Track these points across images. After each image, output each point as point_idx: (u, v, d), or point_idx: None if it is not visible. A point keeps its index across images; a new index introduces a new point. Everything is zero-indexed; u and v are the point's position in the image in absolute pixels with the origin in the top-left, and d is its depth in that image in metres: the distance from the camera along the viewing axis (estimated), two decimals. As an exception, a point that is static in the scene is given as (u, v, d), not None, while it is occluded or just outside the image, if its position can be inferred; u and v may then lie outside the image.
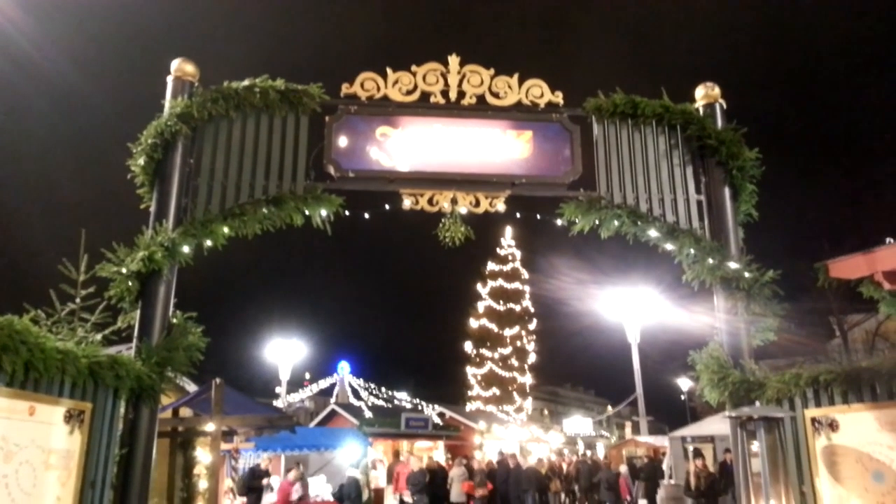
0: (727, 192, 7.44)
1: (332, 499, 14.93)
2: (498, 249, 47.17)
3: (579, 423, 45.84)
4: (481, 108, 7.64)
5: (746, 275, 6.96)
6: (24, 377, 4.83)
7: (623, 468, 19.80)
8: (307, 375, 44.47)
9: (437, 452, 23.29)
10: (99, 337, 6.33)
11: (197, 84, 7.35)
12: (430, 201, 7.35)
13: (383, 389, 35.99)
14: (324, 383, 39.54)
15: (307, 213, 7.14)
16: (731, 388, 6.58)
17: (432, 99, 7.58)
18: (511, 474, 17.27)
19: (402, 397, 35.72)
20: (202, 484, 12.58)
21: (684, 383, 44.51)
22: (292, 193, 7.12)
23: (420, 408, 31.13)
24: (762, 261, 7.12)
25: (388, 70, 7.56)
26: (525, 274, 47.12)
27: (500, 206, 7.46)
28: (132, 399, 6.10)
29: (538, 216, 7.78)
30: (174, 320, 6.60)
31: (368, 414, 26.95)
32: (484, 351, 44.44)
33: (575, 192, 7.46)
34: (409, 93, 7.56)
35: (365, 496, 14.26)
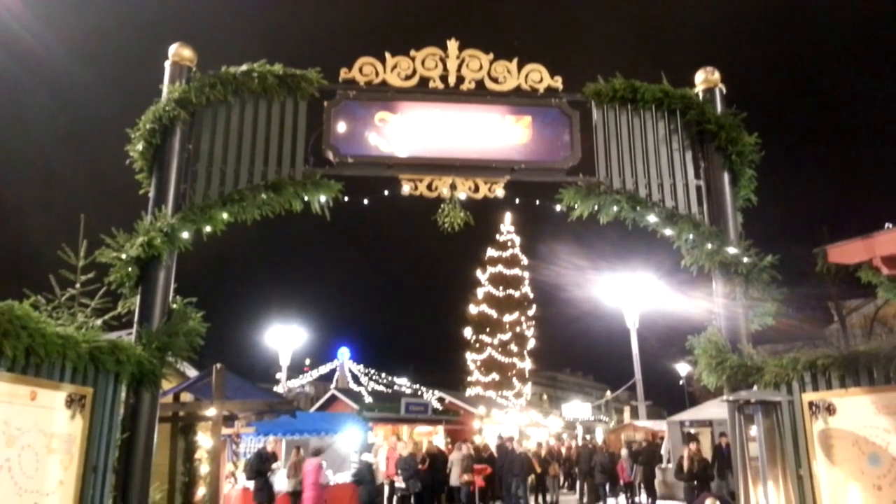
0: (726, 177, 7.43)
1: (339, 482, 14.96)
2: (497, 236, 47.19)
3: (578, 408, 46.02)
4: (480, 94, 7.61)
5: (745, 260, 6.97)
6: (25, 362, 4.85)
7: (624, 452, 19.97)
8: (307, 361, 44.66)
9: (436, 437, 23.42)
10: (99, 322, 6.36)
11: (195, 69, 7.32)
12: (429, 187, 7.35)
13: (383, 375, 36.11)
14: (324, 369, 39.65)
15: (306, 198, 7.14)
16: (729, 373, 6.62)
17: (431, 84, 7.55)
18: (505, 459, 17.38)
19: (402, 383, 35.84)
20: (203, 468, 12.67)
21: (683, 368, 44.67)
22: (291, 179, 7.11)
23: (420, 393, 31.25)
24: (761, 246, 7.14)
25: (387, 55, 7.52)
26: (524, 260, 47.18)
27: (500, 192, 7.46)
28: (133, 384, 6.12)
29: (537, 202, 7.78)
30: (174, 306, 6.62)
31: (368, 399, 27.08)
32: (483, 337, 44.58)
33: (574, 177, 7.45)
34: (407, 78, 7.52)
35: (378, 480, 14.25)
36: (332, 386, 33.09)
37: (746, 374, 6.55)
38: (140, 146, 6.90)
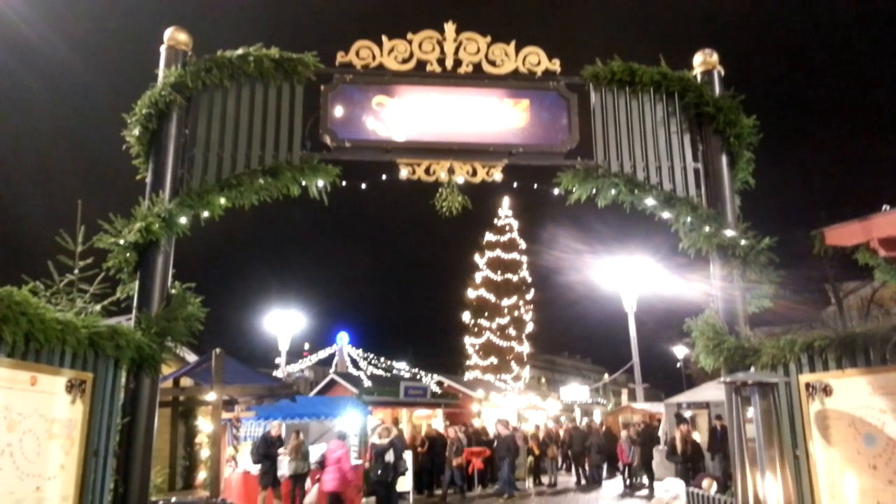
0: (724, 159, 7.43)
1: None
2: (495, 220, 47.16)
3: (576, 391, 46.25)
4: (478, 77, 7.57)
5: (743, 242, 6.99)
6: (25, 348, 4.86)
7: (623, 433, 20.16)
8: (306, 346, 44.79)
9: (435, 420, 23.56)
10: (98, 308, 6.36)
11: (190, 53, 7.27)
12: (426, 171, 7.33)
13: (382, 359, 36.25)
14: (323, 354, 39.80)
15: (304, 183, 7.12)
16: (727, 354, 6.66)
17: (428, 67, 7.51)
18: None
19: (401, 367, 35.98)
20: (204, 452, 12.76)
21: (680, 351, 44.91)
22: (288, 164, 7.09)
23: (419, 377, 31.40)
24: (759, 229, 7.16)
25: (384, 38, 7.47)
26: (522, 244, 47.20)
27: (498, 176, 7.45)
28: (133, 369, 6.15)
29: (535, 185, 7.78)
30: (173, 291, 6.63)
31: (368, 383, 27.19)
32: (482, 321, 44.68)
33: (572, 160, 7.44)
34: (404, 61, 7.48)
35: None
36: (332, 370, 33.22)
37: (743, 355, 6.59)
38: (136, 131, 6.87)
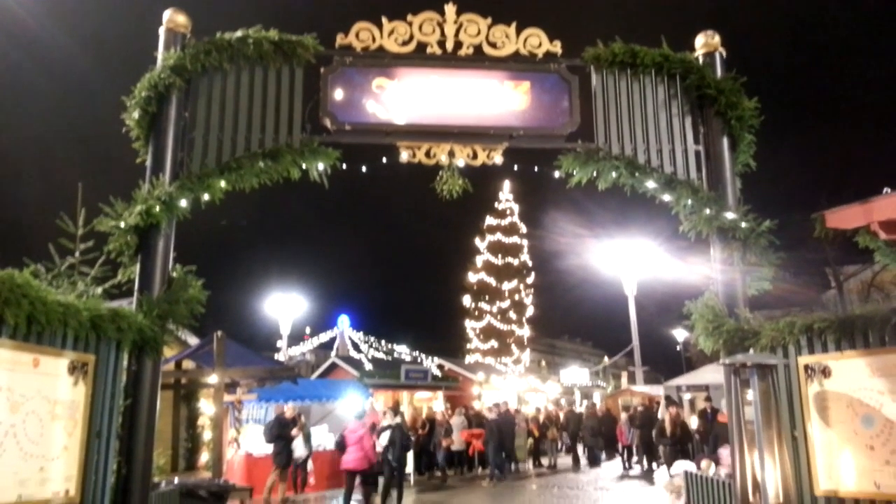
0: (725, 142, 7.41)
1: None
2: (496, 204, 47.08)
3: (576, 374, 46.47)
4: (478, 59, 7.54)
5: (743, 224, 6.99)
6: (27, 330, 4.89)
7: (623, 416, 20.27)
8: (307, 330, 44.88)
9: (436, 403, 23.69)
10: (99, 290, 6.39)
11: (189, 35, 7.23)
12: (427, 154, 7.32)
13: (383, 342, 36.38)
14: (324, 337, 39.93)
15: (304, 166, 7.11)
16: (726, 337, 6.68)
17: (429, 50, 7.47)
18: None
19: (402, 350, 36.13)
20: (206, 435, 12.87)
21: (680, 334, 45.01)
22: (288, 147, 7.08)
23: (419, 360, 31.52)
24: (759, 211, 7.15)
25: (384, 20, 7.43)
26: (523, 228, 47.18)
27: (498, 159, 7.43)
28: (135, 351, 6.18)
29: (536, 168, 7.76)
30: (174, 274, 6.64)
31: (368, 366, 27.32)
32: (482, 304, 44.76)
33: (573, 143, 7.42)
34: (405, 43, 7.44)
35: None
36: (333, 354, 33.35)
37: (743, 337, 6.61)
38: (136, 114, 6.86)
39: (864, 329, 5.82)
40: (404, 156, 7.29)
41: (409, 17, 7.48)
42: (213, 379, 11.29)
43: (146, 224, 6.44)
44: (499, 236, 46.22)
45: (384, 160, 7.41)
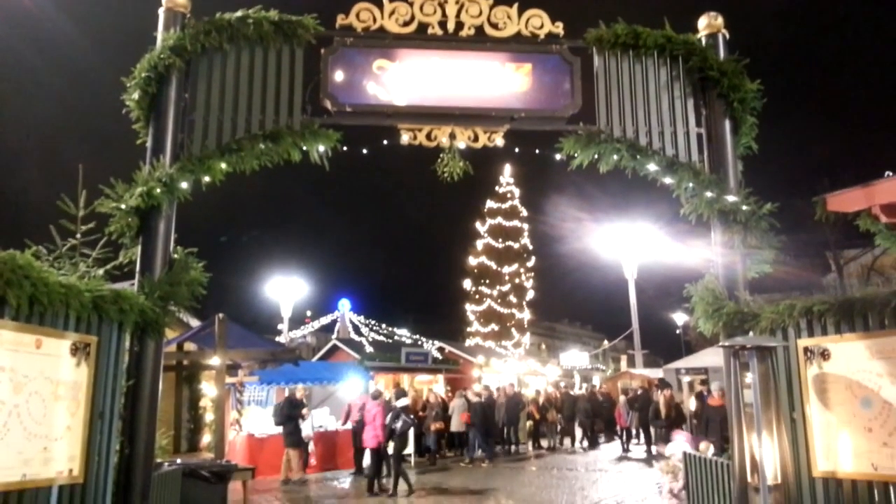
0: (727, 124, 7.38)
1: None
2: (497, 187, 46.99)
3: (576, 357, 46.68)
4: (480, 40, 7.49)
5: (744, 207, 6.98)
6: (29, 311, 4.91)
7: (622, 398, 20.41)
8: (308, 313, 44.94)
9: (437, 386, 23.79)
10: (101, 272, 6.39)
11: (189, 16, 7.18)
12: (428, 136, 7.29)
13: (383, 326, 36.43)
14: (325, 320, 39.96)
15: (304, 148, 7.09)
16: (726, 319, 6.70)
17: (430, 30, 7.42)
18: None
19: (403, 333, 36.18)
20: (208, 416, 12.94)
21: (679, 318, 45.20)
22: (289, 128, 7.05)
23: (420, 343, 31.58)
24: (761, 195, 7.14)
25: (384, 0, 7.37)
26: (524, 212, 47.12)
27: (499, 141, 7.41)
28: (137, 332, 6.20)
29: (537, 151, 7.74)
30: (175, 256, 6.65)
31: (369, 349, 27.37)
32: (483, 288, 44.81)
33: (574, 125, 7.39)
34: (405, 24, 7.39)
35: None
36: (334, 336, 33.41)
37: (742, 320, 6.63)
38: (136, 95, 6.83)
39: (864, 312, 5.83)
40: (405, 138, 7.27)
41: (410, -2, 7.42)
42: (214, 361, 11.32)
43: (147, 206, 6.44)
44: (499, 220, 46.17)
45: (385, 142, 7.39)
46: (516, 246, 46.06)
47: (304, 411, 13.66)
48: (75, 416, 5.37)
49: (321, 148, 7.13)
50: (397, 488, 11.81)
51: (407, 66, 7.38)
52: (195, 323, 13.54)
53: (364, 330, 35.55)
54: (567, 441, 21.38)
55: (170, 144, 6.81)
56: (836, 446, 5.89)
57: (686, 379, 22.87)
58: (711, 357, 20.24)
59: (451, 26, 7.43)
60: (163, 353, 6.66)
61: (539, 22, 7.50)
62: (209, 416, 12.99)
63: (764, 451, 5.84)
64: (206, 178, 6.85)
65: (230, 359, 12.08)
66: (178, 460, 8.72)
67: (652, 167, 7.29)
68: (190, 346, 13.35)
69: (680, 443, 9.38)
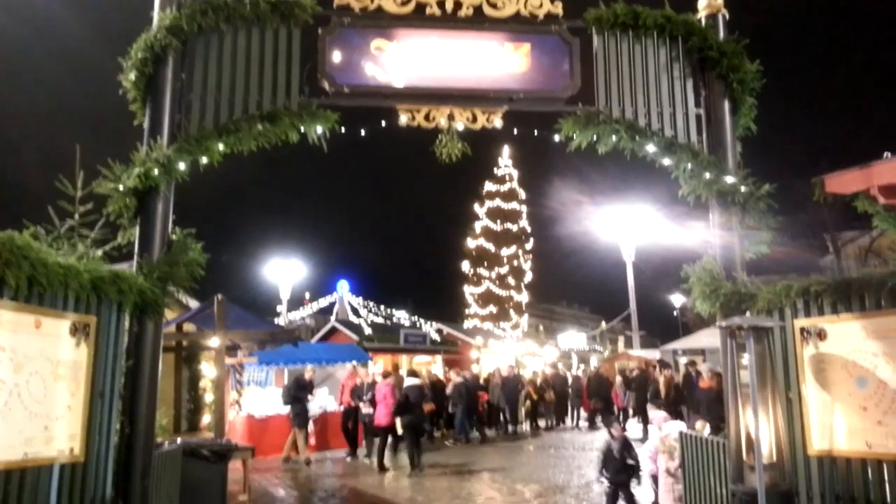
0: (727, 105, 7.36)
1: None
2: (495, 170, 46.93)
3: (574, 338, 46.94)
4: (478, 20, 7.43)
5: (742, 188, 6.98)
6: (29, 292, 4.91)
7: (618, 379, 20.54)
8: (307, 295, 45.01)
9: (435, 366, 23.94)
10: (100, 253, 6.39)
11: (186, -6, 7.11)
12: (426, 117, 7.26)
13: (382, 307, 36.52)
14: (324, 302, 40.04)
15: (302, 129, 7.06)
16: (723, 300, 6.73)
17: (428, 10, 7.36)
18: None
19: (401, 315, 36.29)
20: (208, 396, 13.03)
21: (677, 299, 45.35)
22: (287, 109, 7.01)
23: (418, 324, 31.71)
24: (759, 175, 7.14)
25: (383, -22, 7.30)
26: (522, 194, 47.09)
27: (498, 122, 7.38)
28: (136, 313, 6.22)
29: (536, 132, 7.71)
30: (174, 237, 6.65)
31: (368, 331, 27.47)
32: (481, 270, 44.93)
33: (573, 106, 7.36)
34: (404, 3, 7.34)
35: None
36: (333, 318, 33.50)
37: (740, 301, 6.66)
38: (132, 76, 6.78)
39: (861, 292, 5.86)
40: (403, 119, 7.24)
41: (409, -23, 7.35)
42: (214, 341, 11.37)
43: (145, 186, 6.43)
44: (498, 202, 46.18)
45: (383, 123, 7.35)
46: (515, 228, 46.12)
47: (314, 391, 13.81)
48: (75, 395, 5.40)
49: (319, 129, 7.09)
50: (417, 461, 12.07)
51: (405, 46, 7.34)
52: (194, 304, 13.58)
53: (363, 312, 35.65)
54: (568, 420, 21.61)
55: (167, 125, 6.78)
56: (832, 425, 5.94)
57: (683, 360, 23.01)
58: (708, 338, 20.37)
59: (449, 6, 7.37)
60: (162, 334, 6.68)
61: (538, 2, 7.45)
62: (209, 397, 13.09)
63: (760, 430, 5.89)
64: (204, 159, 6.81)
65: (229, 340, 12.14)
66: (179, 440, 8.80)
67: (651, 148, 7.27)
68: (189, 328, 13.41)
69: (676, 423, 9.45)
